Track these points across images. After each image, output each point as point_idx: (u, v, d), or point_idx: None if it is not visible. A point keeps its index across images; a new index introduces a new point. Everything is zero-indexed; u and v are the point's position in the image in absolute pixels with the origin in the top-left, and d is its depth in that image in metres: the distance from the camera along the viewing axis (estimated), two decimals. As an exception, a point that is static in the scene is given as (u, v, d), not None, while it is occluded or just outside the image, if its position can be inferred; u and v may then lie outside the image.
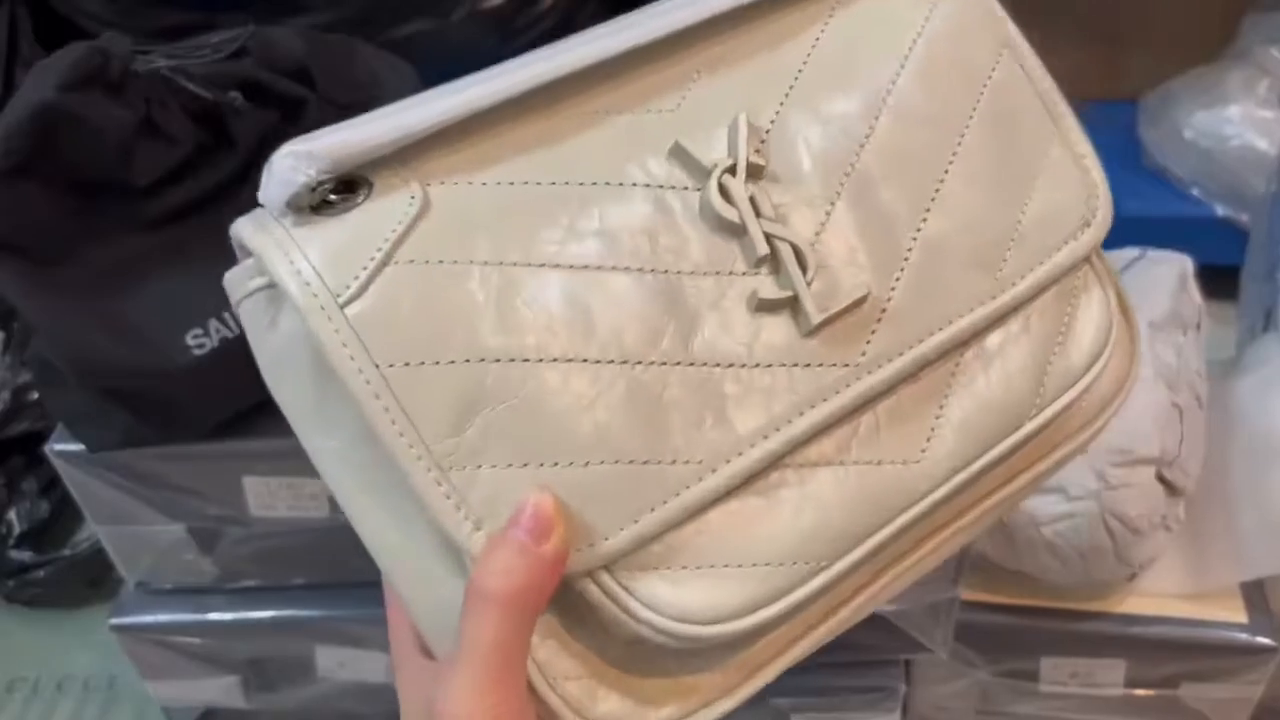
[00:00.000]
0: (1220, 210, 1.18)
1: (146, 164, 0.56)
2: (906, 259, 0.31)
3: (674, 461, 0.28)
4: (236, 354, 0.57)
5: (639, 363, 0.28)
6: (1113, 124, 1.25)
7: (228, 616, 0.70)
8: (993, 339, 0.33)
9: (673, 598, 0.28)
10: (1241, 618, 0.62)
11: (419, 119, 0.28)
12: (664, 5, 0.32)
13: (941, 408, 0.32)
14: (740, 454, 0.29)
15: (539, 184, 0.29)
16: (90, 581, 0.89)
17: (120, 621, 0.70)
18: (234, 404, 0.59)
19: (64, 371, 0.58)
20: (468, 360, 0.27)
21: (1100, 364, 0.34)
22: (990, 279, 0.32)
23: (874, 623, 0.59)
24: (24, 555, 0.90)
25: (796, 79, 0.32)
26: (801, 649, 0.33)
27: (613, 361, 0.28)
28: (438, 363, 0.27)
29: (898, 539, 0.31)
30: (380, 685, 0.73)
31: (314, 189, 0.27)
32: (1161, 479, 0.60)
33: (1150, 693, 0.64)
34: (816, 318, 0.30)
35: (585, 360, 0.28)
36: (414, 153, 0.28)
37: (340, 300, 0.27)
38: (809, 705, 0.63)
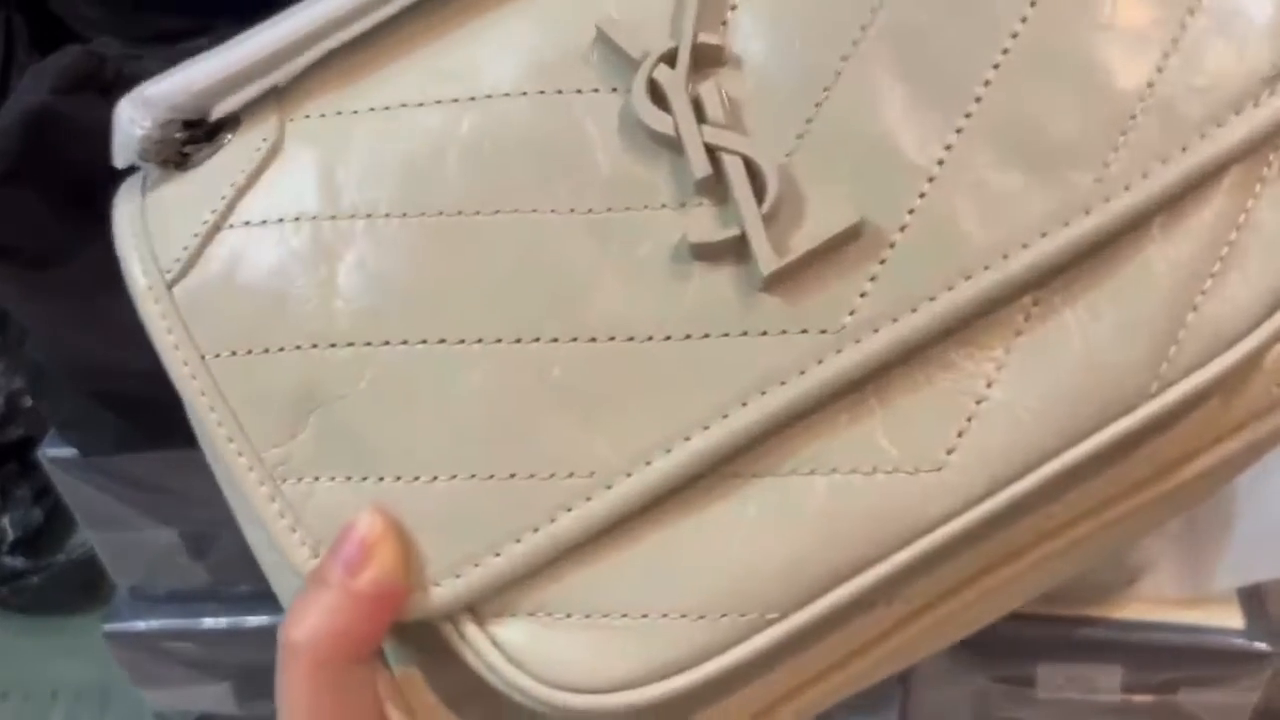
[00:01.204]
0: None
1: (139, 167, 0.56)
2: (924, 174, 0.21)
3: (553, 475, 0.21)
4: (229, 358, 0.57)
5: (515, 340, 0.22)
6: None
7: (221, 622, 0.70)
8: (1086, 268, 0.21)
9: (548, 654, 0.22)
10: (1239, 623, 0.62)
11: (278, 33, 0.24)
12: None
13: (989, 383, 0.21)
14: (648, 463, 0.21)
15: (407, 105, 0.23)
16: (84, 588, 0.89)
17: (113, 628, 0.69)
18: (227, 408, 0.59)
19: (58, 374, 0.58)
20: (298, 346, 0.23)
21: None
22: (1085, 181, 0.20)
23: (870, 628, 0.58)
24: (17, 562, 0.90)
25: None
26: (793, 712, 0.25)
27: (479, 341, 0.22)
28: (266, 350, 0.23)
29: (910, 579, 0.23)
30: (374, 692, 0.73)
31: (161, 140, 0.23)
32: (1158, 483, 0.60)
33: (1148, 698, 0.64)
34: (771, 264, 0.21)
35: (442, 341, 0.22)
36: (289, 82, 0.24)
37: (168, 277, 0.23)
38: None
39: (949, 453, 0.21)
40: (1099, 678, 0.64)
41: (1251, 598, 0.63)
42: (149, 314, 0.24)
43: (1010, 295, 0.21)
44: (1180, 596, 0.63)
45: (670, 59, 0.22)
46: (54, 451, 0.62)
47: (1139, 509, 0.24)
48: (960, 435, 0.21)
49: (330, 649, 0.22)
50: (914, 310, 0.21)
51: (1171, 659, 0.62)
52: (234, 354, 0.23)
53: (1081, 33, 0.20)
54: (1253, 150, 0.20)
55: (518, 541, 0.22)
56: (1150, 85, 0.20)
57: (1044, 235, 0.20)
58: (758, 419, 0.21)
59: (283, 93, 0.24)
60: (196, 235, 0.23)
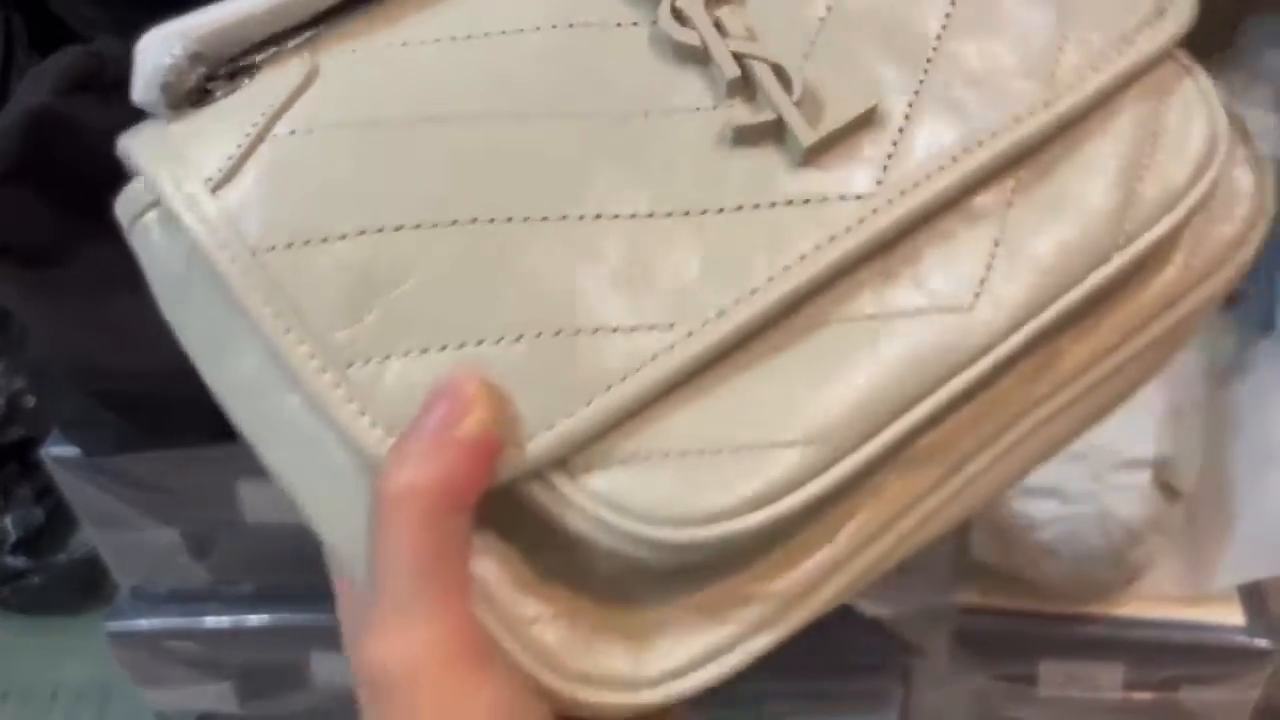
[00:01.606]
0: (1218, 214, 1.19)
1: (138, 166, 0.56)
2: (929, 66, 0.26)
3: (635, 327, 0.23)
4: (231, 358, 0.57)
5: (577, 218, 0.23)
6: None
7: (223, 622, 0.70)
8: (1055, 152, 0.26)
9: (653, 494, 0.22)
10: (1239, 620, 0.62)
11: None
12: None
13: (997, 241, 0.25)
14: (722, 314, 0.23)
15: (440, 40, 0.25)
16: (85, 588, 0.89)
17: (115, 627, 0.69)
18: (229, 408, 0.59)
19: (59, 375, 0.58)
20: (361, 232, 0.23)
21: (1209, 177, 0.26)
22: (1044, 84, 0.26)
23: (870, 628, 0.59)
24: (18, 562, 0.90)
25: None
26: (859, 570, 0.25)
27: (544, 219, 0.23)
28: (325, 239, 0.23)
29: (958, 415, 0.25)
30: (376, 691, 0.73)
31: (190, 75, 0.24)
32: (1158, 482, 0.59)
33: (1149, 696, 0.64)
34: (809, 137, 0.24)
35: (509, 220, 0.23)
36: (308, 30, 0.25)
37: (211, 184, 0.23)
38: (805, 710, 0.62)
39: (978, 295, 0.25)
40: (1100, 676, 0.64)
41: (1252, 595, 0.63)
42: (190, 220, 0.23)
43: (1003, 168, 0.25)
44: (1181, 594, 0.63)
45: None
46: (56, 451, 0.62)
47: (1124, 364, 0.28)
48: (983, 281, 0.25)
49: (435, 497, 0.21)
50: (931, 177, 0.25)
51: (1172, 656, 0.62)
52: (290, 246, 0.23)
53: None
54: (1151, 68, 0.27)
55: (609, 388, 0.23)
56: (1072, 19, 0.27)
57: (1022, 120, 0.25)
58: (809, 277, 0.24)
59: (310, 38, 0.25)
60: (239, 145, 0.24)
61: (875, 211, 0.24)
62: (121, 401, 0.57)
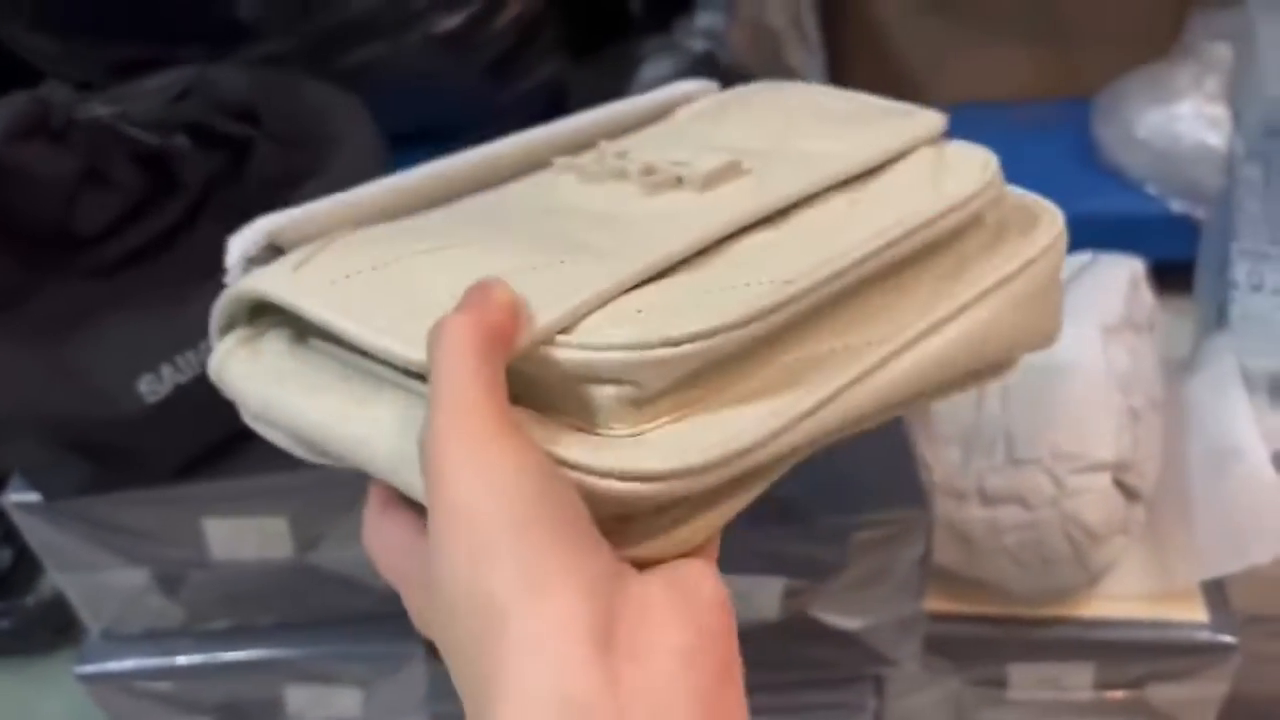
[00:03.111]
0: (1175, 206, 1.20)
1: (92, 212, 0.56)
2: (770, 159, 0.37)
3: (604, 253, 0.32)
4: (191, 399, 0.57)
5: (553, 212, 0.35)
6: (1067, 124, 1.26)
7: (196, 660, 0.69)
8: (870, 185, 0.36)
9: (632, 334, 0.29)
10: (1203, 617, 0.63)
11: (339, 202, 0.36)
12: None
13: (854, 203, 0.35)
14: (685, 233, 0.32)
15: (445, 213, 0.37)
16: (56, 629, 0.88)
17: (86, 670, 0.69)
18: (190, 449, 0.59)
19: (18, 420, 0.58)
20: (399, 257, 0.33)
21: (992, 171, 0.36)
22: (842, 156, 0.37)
23: (841, 639, 0.59)
24: (-13, 604, 0.89)
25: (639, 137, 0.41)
26: (805, 432, 0.31)
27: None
28: (375, 268, 0.33)
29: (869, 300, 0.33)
30: (353, 721, 0.73)
31: (260, 253, 0.35)
32: (1119, 484, 0.60)
33: (1118, 695, 0.65)
34: (700, 179, 0.34)
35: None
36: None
37: (293, 267, 0.33)
38: (781, 723, 0.63)
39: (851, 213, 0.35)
40: (1069, 676, 0.64)
41: (1215, 591, 0.64)
42: (287, 285, 0.33)
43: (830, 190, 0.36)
44: (1145, 593, 0.64)
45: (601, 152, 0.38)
46: (18, 497, 0.61)
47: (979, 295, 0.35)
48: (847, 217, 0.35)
49: (486, 330, 0.27)
50: (776, 190, 0.35)
51: (1139, 655, 0.63)
52: (348, 277, 0.32)
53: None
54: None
55: (584, 286, 0.30)
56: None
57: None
58: (718, 225, 0.33)
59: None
60: (306, 254, 0.34)
61: (752, 199, 0.34)
62: (80, 447, 0.57)
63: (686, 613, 0.25)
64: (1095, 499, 0.59)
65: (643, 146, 0.39)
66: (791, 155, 0.37)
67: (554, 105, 1.30)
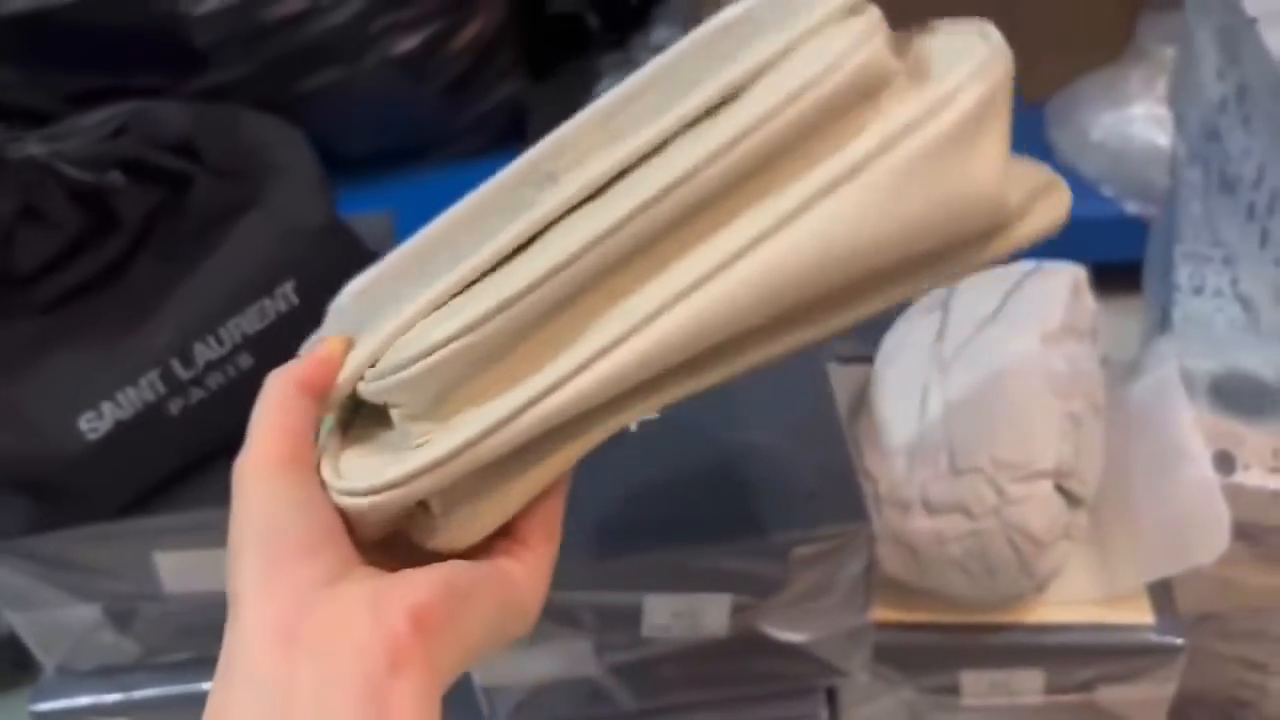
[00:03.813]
0: (1130, 208, 1.21)
1: (29, 251, 0.56)
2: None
3: (427, 289, 0.34)
4: (132, 435, 0.57)
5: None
6: (1021, 128, 1.26)
7: (154, 693, 0.69)
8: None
9: (393, 355, 0.33)
10: (1149, 619, 0.64)
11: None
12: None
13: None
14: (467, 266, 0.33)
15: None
16: (15, 664, 0.87)
17: (42, 707, 0.69)
18: (135, 485, 0.59)
19: (-38, 461, 0.58)
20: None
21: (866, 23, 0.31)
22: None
23: (790, 653, 0.59)
24: (-55, 642, 0.88)
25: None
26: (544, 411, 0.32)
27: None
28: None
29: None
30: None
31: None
32: (1060, 490, 0.61)
33: (1069, 698, 0.65)
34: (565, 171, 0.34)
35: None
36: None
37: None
38: (735, 738, 0.63)
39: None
40: (1020, 682, 0.65)
41: (1159, 592, 0.64)
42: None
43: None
44: (1092, 597, 0.64)
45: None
46: (-35, 537, 0.61)
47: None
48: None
49: (299, 375, 0.34)
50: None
51: (1087, 658, 0.64)
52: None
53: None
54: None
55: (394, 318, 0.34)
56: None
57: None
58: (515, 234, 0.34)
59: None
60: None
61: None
62: (23, 486, 0.57)
63: (373, 615, 0.30)
64: (1037, 506, 0.60)
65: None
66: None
67: (514, 124, 1.31)
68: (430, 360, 0.32)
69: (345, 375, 0.34)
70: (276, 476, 0.32)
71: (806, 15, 0.32)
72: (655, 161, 0.32)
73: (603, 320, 0.32)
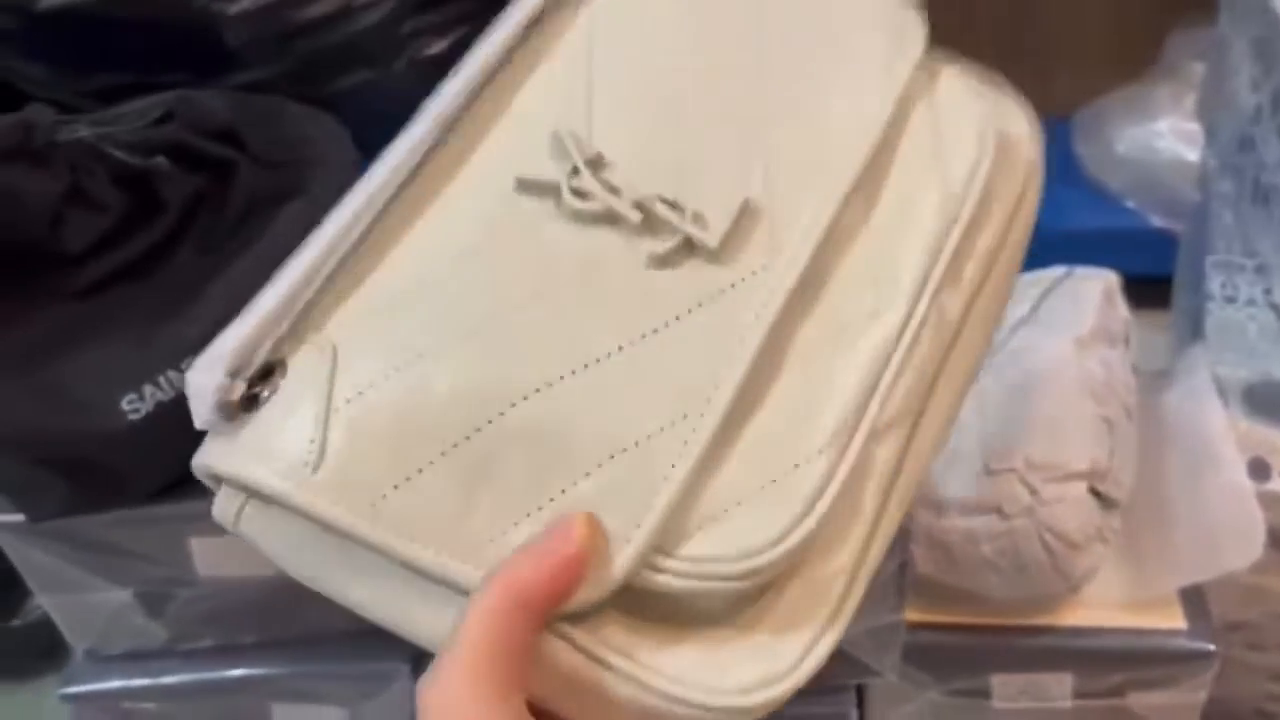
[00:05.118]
0: (1155, 222, 1.21)
1: (75, 232, 0.56)
2: (759, 159, 0.33)
3: (661, 429, 0.28)
4: (172, 417, 0.57)
5: (585, 367, 0.29)
6: (1048, 141, 1.27)
7: (182, 679, 0.69)
8: (880, 165, 0.34)
9: (731, 542, 0.28)
10: (1181, 624, 0.63)
11: (293, 276, 0.30)
12: (459, 69, 0.34)
13: (877, 247, 0.33)
14: (717, 387, 0.29)
15: (422, 282, 0.31)
16: (42, 652, 0.88)
17: (71, 691, 0.69)
18: (174, 467, 0.59)
19: (0, 441, 0.58)
20: (443, 453, 0.28)
21: (991, 137, 0.35)
22: (857, 127, 0.34)
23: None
24: (-29, 628, 0.89)
25: (590, 69, 0.34)
26: (885, 526, 0.31)
27: (563, 379, 0.29)
28: (420, 470, 0.28)
29: (910, 376, 0.31)
30: (338, 740, 0.73)
31: (235, 390, 0.28)
32: (1094, 492, 0.61)
33: (1099, 703, 0.65)
34: (715, 240, 0.31)
35: (548, 385, 0.29)
36: (307, 308, 0.30)
37: (309, 470, 0.28)
38: (763, 736, 0.63)
39: (880, 291, 0.32)
40: (1051, 686, 0.65)
41: (1192, 598, 0.64)
42: (308, 504, 0.28)
43: (852, 197, 0.33)
44: (1124, 601, 0.64)
45: (575, 171, 0.32)
46: (1, 518, 0.61)
47: (999, 285, 0.35)
48: (880, 281, 0.32)
49: (530, 587, 0.26)
50: (815, 225, 0.32)
51: (1118, 663, 0.64)
52: (397, 486, 0.28)
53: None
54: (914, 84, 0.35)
55: (666, 479, 0.28)
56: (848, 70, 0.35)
57: (845, 168, 0.33)
58: (763, 333, 0.30)
59: (310, 320, 0.30)
60: (315, 428, 0.28)
61: (785, 269, 0.31)
62: (63, 466, 0.57)
63: None
64: (1071, 507, 0.60)
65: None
66: (783, 139, 0.33)
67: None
68: (793, 540, 0.28)
69: (622, 569, 0.27)
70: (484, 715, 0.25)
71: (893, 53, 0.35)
72: (843, 252, 0.32)
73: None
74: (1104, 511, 0.62)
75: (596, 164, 0.32)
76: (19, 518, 0.61)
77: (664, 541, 0.28)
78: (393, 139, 0.33)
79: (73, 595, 0.65)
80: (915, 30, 0.36)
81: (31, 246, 0.56)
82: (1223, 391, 0.68)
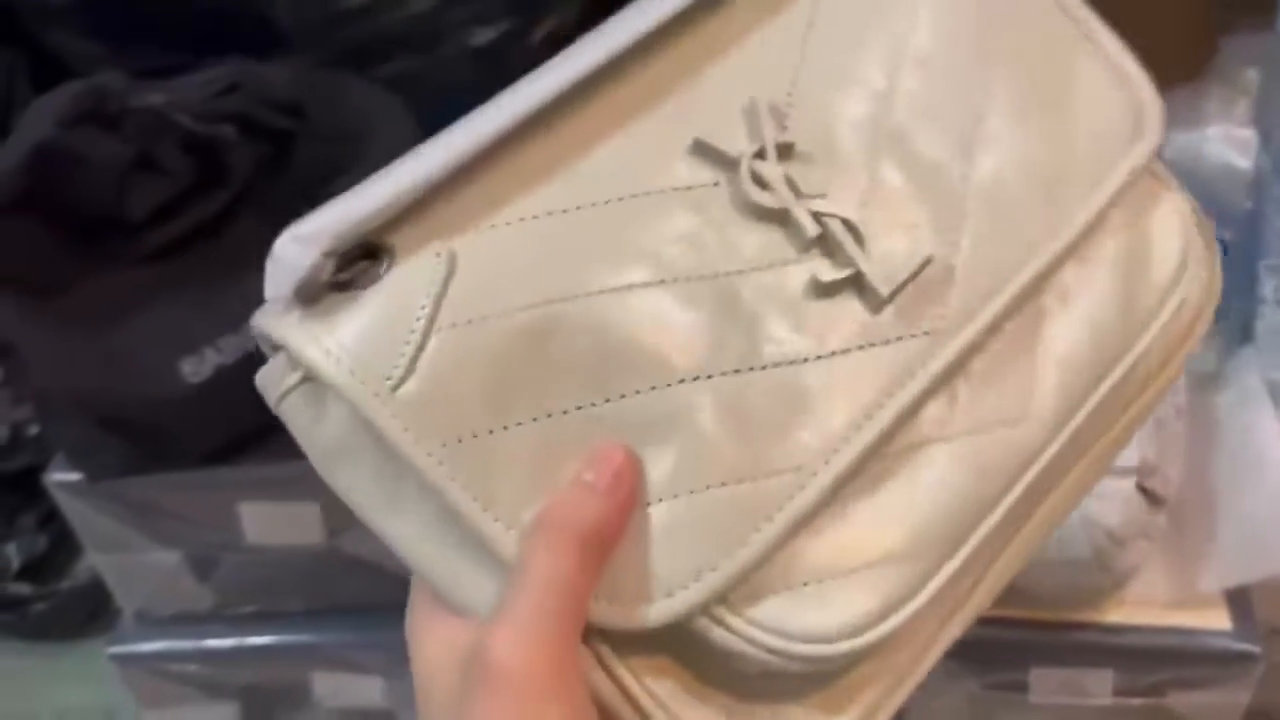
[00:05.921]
0: (1204, 228, 1.20)
1: (142, 198, 0.57)
2: (963, 210, 0.29)
3: (770, 474, 0.26)
4: (231, 381, 0.58)
5: (710, 376, 0.26)
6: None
7: (225, 643, 0.71)
8: (1069, 275, 0.30)
9: (800, 618, 0.26)
10: (1226, 625, 0.63)
11: (419, 172, 0.26)
12: (637, 7, 0.30)
13: (1035, 358, 0.29)
14: (836, 451, 0.26)
15: (563, 212, 0.27)
16: (89, 614, 0.89)
17: (118, 650, 0.70)
18: (229, 430, 0.60)
19: (62, 403, 0.59)
20: (534, 419, 0.25)
21: (1188, 275, 0.31)
22: (1053, 212, 0.30)
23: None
24: (22, 589, 0.91)
25: (804, 46, 0.30)
26: (942, 645, 0.30)
27: (683, 381, 0.26)
28: (505, 427, 0.25)
29: (1022, 504, 0.29)
30: (376, 710, 0.73)
31: (326, 270, 0.25)
32: (1142, 489, 0.61)
33: (1139, 701, 0.65)
34: (885, 290, 0.27)
35: (654, 389, 0.26)
36: (426, 207, 0.26)
37: (391, 383, 0.25)
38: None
39: (1028, 407, 0.29)
40: (1090, 682, 0.64)
41: (1237, 599, 0.64)
42: (379, 416, 0.25)
43: (1031, 294, 0.30)
44: (1168, 599, 0.64)
45: (760, 154, 0.28)
46: (60, 476, 0.63)
47: (1120, 434, 0.32)
48: (1031, 394, 0.29)
49: (588, 534, 0.25)
50: (981, 310, 0.29)
51: (1160, 662, 0.63)
52: (475, 436, 0.25)
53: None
54: (1135, 182, 0.31)
55: (759, 530, 0.26)
56: (1069, 149, 0.31)
57: (1041, 249, 0.29)
58: (900, 408, 0.27)
59: (423, 217, 0.26)
60: (409, 343, 0.25)
61: (943, 345, 0.28)
62: (123, 427, 0.58)
63: None
64: (1118, 503, 0.59)
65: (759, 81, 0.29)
66: (993, 185, 0.30)
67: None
68: (878, 630, 0.26)
69: (685, 603, 0.25)
70: (543, 701, 0.23)
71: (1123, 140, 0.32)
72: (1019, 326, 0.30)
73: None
74: (1150, 508, 0.61)
75: (785, 152, 0.28)
76: (78, 477, 0.62)
77: (733, 593, 0.26)
78: (439, 125, 0.28)
79: (124, 555, 0.66)
80: (1154, 117, 0.32)
81: (98, 211, 0.58)
82: (1274, 395, 0.67)
